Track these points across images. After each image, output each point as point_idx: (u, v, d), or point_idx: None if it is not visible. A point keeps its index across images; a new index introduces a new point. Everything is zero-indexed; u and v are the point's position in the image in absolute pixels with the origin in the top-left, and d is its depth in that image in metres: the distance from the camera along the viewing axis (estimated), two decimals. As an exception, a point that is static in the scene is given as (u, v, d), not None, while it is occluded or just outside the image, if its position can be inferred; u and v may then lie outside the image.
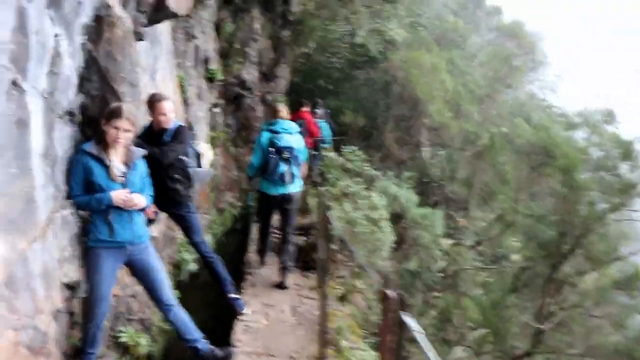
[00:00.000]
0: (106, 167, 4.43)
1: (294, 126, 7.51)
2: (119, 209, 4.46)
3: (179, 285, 8.17)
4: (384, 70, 18.43)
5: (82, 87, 4.58)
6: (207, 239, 10.78)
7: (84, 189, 4.40)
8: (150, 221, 5.88)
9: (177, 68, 9.45)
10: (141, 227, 4.71)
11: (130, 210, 4.55)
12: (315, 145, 14.21)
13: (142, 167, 4.80)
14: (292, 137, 7.30)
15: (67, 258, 4.40)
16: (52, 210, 4.18)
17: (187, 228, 6.12)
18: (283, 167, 7.15)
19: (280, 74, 16.40)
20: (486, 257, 12.48)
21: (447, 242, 11.41)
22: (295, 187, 7.46)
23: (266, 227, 7.99)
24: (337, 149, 14.80)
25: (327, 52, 20.94)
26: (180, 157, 5.80)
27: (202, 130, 10.58)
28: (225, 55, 12.32)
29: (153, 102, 5.64)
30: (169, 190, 5.82)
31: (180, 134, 5.75)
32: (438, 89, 15.93)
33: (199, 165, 6.16)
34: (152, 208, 5.58)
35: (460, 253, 12.24)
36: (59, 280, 4.29)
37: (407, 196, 10.80)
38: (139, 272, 4.78)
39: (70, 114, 4.43)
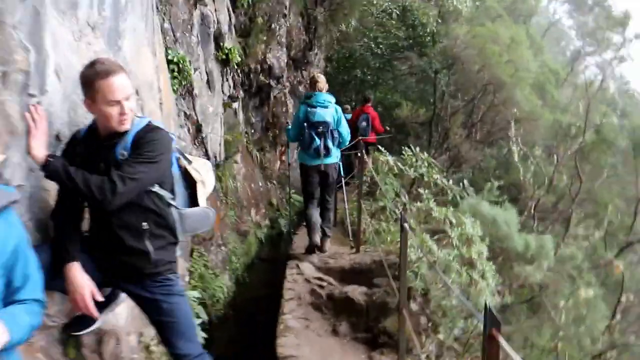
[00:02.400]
0: None
1: (330, 99, 7.29)
2: None
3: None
4: (441, 51, 15.23)
5: None
6: (225, 279, 8.05)
7: None
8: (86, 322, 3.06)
9: (176, 43, 6.64)
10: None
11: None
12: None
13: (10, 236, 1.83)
14: (326, 111, 7.16)
15: None
16: None
17: (163, 323, 3.17)
18: (317, 142, 7.13)
19: (313, 60, 13.43)
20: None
21: (586, 292, 8.13)
22: (331, 159, 7.37)
23: (310, 200, 7.61)
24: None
25: (368, 36, 17.84)
26: (151, 188, 2.93)
27: (214, 131, 7.71)
28: (245, 32, 9.40)
29: (92, 79, 2.77)
30: (127, 252, 2.98)
31: (149, 143, 2.88)
32: (523, 70, 12.74)
33: (192, 203, 3.28)
34: (93, 291, 2.78)
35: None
36: None
37: (507, 218, 7.77)
38: None
39: None
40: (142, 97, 4.17)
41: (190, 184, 3.30)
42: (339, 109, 7.38)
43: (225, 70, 8.01)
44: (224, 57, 7.74)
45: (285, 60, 11.05)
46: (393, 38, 17.47)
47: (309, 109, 7.19)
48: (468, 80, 14.14)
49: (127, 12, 4.04)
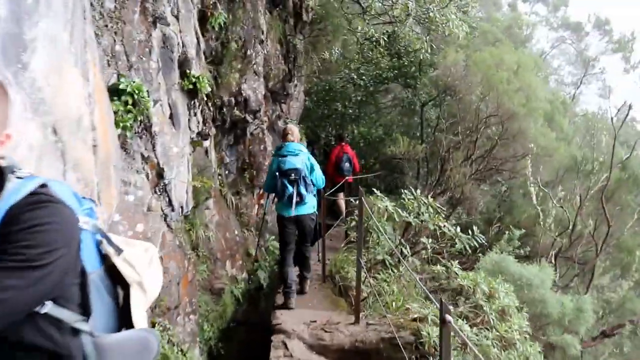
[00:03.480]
0: None
1: (301, 148, 7.46)
2: None
3: None
4: (432, 81, 14.07)
5: None
6: (195, 355, 6.72)
7: None
8: None
9: (131, 69, 5.37)
10: None
11: None
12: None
13: None
14: (297, 159, 7.28)
15: None
16: None
17: None
18: (290, 189, 7.20)
19: (292, 92, 12.18)
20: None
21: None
22: (307, 209, 7.40)
23: (287, 251, 7.62)
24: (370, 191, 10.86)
25: (349, 67, 16.66)
26: (38, 309, 1.58)
27: (180, 176, 6.37)
28: (216, 59, 8.14)
29: None
30: None
31: (30, 230, 1.53)
32: (534, 99, 11.50)
33: (122, 320, 1.93)
34: None
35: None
36: None
37: (543, 277, 6.47)
38: None
39: None
40: (62, 137, 2.83)
41: (122, 285, 1.96)
42: (311, 157, 7.53)
43: (192, 102, 6.69)
44: (190, 86, 6.43)
45: (263, 92, 9.77)
46: (376, 69, 16.35)
47: (280, 158, 7.32)
48: (464, 111, 12.89)
49: (39, 13, 2.73)
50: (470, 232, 7.45)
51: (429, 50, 11.76)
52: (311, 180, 7.39)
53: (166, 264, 6.06)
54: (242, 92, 8.82)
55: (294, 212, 7.25)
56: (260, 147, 10.30)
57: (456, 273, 5.72)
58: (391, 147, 13.50)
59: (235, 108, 8.79)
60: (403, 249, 7.55)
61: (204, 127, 7.38)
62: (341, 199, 12.29)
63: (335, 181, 11.58)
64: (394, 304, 6.10)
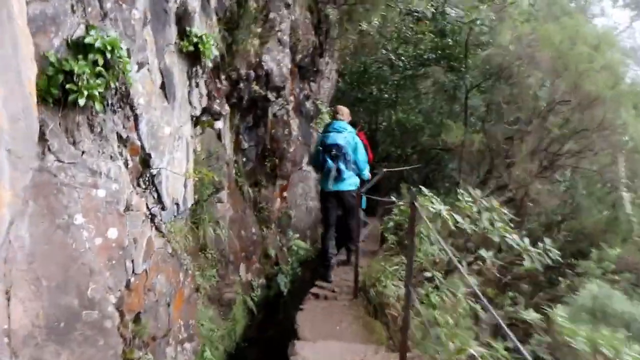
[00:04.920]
0: None
1: (346, 126, 7.58)
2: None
3: None
4: (484, 61, 12.36)
5: None
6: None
7: None
8: None
9: (105, 18, 3.93)
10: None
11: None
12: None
13: None
14: (339, 135, 7.40)
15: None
16: None
17: None
18: (329, 164, 7.32)
19: (323, 69, 10.63)
20: None
21: None
22: (346, 185, 7.47)
23: (328, 225, 7.77)
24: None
25: (386, 47, 15.02)
26: None
27: (175, 164, 4.93)
28: (231, 22, 6.61)
29: None
30: None
31: None
32: (621, 81, 9.67)
33: None
34: None
35: None
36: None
37: None
38: None
39: None
40: None
41: None
42: (356, 137, 7.64)
43: (194, 70, 5.21)
44: (191, 48, 4.94)
45: (289, 66, 8.25)
46: (417, 49, 14.69)
47: (324, 134, 7.51)
48: (524, 96, 10.99)
49: None
50: (543, 246, 5.89)
51: (485, 22, 10.06)
52: (354, 160, 7.51)
53: (153, 278, 4.62)
54: (263, 64, 7.33)
55: (332, 187, 7.45)
56: (284, 131, 8.80)
57: (559, 324, 4.12)
58: (435, 136, 11.80)
59: (255, 83, 7.31)
60: (457, 264, 5.97)
61: (211, 103, 5.90)
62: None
63: None
64: (455, 345, 4.54)
